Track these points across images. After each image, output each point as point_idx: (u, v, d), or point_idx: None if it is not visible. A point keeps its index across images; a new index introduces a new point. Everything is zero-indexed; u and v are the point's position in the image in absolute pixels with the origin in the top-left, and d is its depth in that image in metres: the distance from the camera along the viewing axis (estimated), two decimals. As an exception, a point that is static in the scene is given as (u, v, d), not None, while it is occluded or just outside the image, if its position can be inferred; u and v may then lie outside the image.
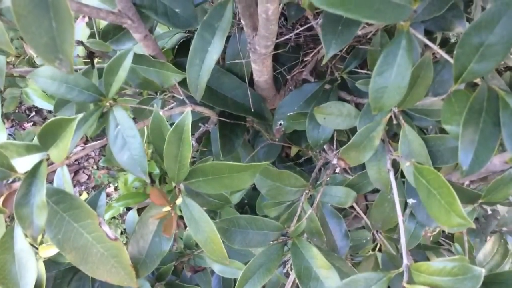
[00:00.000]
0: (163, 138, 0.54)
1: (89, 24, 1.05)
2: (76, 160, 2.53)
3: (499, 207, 0.93)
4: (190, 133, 0.51)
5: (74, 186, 2.47)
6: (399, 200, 0.60)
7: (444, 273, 0.48)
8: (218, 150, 0.78)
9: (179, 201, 0.53)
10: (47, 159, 0.53)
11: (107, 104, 0.58)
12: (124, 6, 0.61)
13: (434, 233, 0.97)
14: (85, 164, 2.52)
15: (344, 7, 0.36)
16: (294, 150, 1.01)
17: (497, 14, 0.46)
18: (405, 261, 0.54)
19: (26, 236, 0.50)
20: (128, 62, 0.55)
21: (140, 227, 0.55)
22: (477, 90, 0.48)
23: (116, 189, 2.41)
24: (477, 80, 0.50)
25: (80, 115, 0.45)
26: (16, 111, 2.45)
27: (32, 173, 0.49)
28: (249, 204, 1.32)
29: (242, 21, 0.62)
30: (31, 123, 2.55)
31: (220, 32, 0.59)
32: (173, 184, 0.56)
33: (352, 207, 1.09)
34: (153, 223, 0.55)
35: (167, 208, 0.51)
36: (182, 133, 0.51)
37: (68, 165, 2.39)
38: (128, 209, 2.19)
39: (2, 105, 1.54)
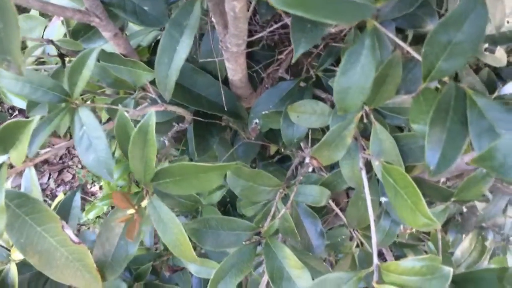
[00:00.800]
0: (129, 139, 0.53)
1: (67, 22, 1.03)
2: (60, 159, 2.50)
3: (477, 203, 0.93)
4: (154, 135, 0.49)
5: (59, 185, 2.44)
6: (372, 199, 0.59)
7: (412, 273, 0.48)
8: (193, 149, 0.77)
9: (144, 203, 0.52)
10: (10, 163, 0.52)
11: (73, 104, 0.56)
12: (91, 4, 0.59)
13: (412, 230, 0.97)
14: (70, 163, 2.49)
15: (302, 7, 0.35)
16: (273, 149, 1.00)
17: (464, 11, 0.45)
18: (375, 261, 0.54)
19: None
20: (92, 61, 0.53)
21: (105, 230, 0.54)
22: (444, 89, 0.47)
23: (101, 188, 2.39)
24: (446, 79, 0.50)
25: (37, 117, 0.44)
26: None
27: (-9, 177, 0.48)
28: (231, 203, 1.31)
29: (213, 19, 0.61)
30: (15, 122, 2.51)
31: (189, 30, 0.58)
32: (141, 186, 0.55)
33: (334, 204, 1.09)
34: (119, 226, 0.54)
35: (131, 211, 0.50)
36: (146, 134, 0.50)
37: (52, 164, 2.35)
38: (113, 208, 2.18)
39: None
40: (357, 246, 0.88)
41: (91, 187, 2.41)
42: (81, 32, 0.73)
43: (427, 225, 0.44)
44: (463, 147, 0.47)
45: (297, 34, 0.53)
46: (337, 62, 0.77)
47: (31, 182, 0.64)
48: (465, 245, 0.83)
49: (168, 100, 0.64)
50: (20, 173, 0.62)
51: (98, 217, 2.28)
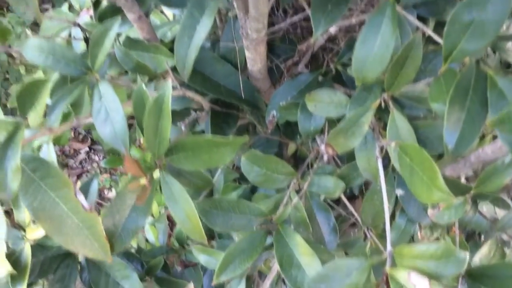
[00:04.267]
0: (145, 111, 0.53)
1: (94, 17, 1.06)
2: (80, 164, 2.54)
3: (498, 213, 0.90)
4: (169, 106, 0.50)
5: (77, 189, 2.46)
6: (388, 190, 0.58)
7: (427, 256, 0.46)
8: (210, 139, 0.77)
9: (156, 174, 0.52)
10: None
11: (94, 77, 0.57)
12: (117, -16, 0.61)
13: (431, 238, 0.94)
14: (89, 168, 2.52)
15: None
16: (291, 149, 1.00)
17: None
18: (388, 247, 0.52)
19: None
20: (113, 32, 0.54)
21: (117, 201, 0.54)
22: (464, 68, 0.47)
23: (118, 193, 2.41)
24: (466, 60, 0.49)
25: (55, 75, 0.45)
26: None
27: (9, 138, 0.49)
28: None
29: (234, 3, 0.62)
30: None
31: (209, 10, 0.59)
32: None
33: (350, 213, 1.07)
34: (131, 198, 0.54)
35: (144, 180, 0.50)
36: (162, 104, 0.50)
37: (72, 168, 2.38)
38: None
39: (6, 99, 1.56)
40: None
41: (107, 193, 2.44)
42: (107, 16, 0.74)
43: (442, 199, 0.43)
44: (482, 127, 0.46)
45: (317, 14, 0.53)
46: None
47: (48, 156, 0.65)
48: (483, 252, 0.80)
49: (187, 80, 0.65)
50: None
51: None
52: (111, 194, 2.43)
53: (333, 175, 0.70)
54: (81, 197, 0.51)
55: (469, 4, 0.46)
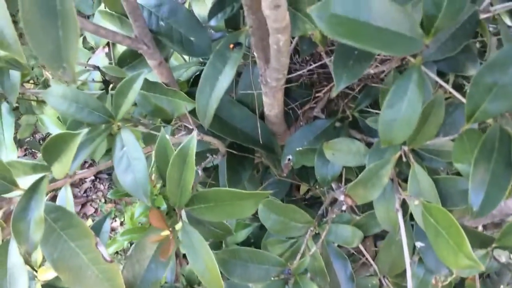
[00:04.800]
0: (168, 162, 0.53)
1: (109, 55, 1.07)
2: (84, 192, 2.53)
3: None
4: (194, 157, 0.50)
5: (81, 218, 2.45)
6: (407, 242, 0.58)
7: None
8: (225, 182, 0.77)
9: (178, 226, 0.52)
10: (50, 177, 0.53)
11: (116, 126, 0.58)
12: (141, 32, 0.62)
13: (444, 283, 0.93)
14: (93, 197, 2.51)
15: (354, 37, 0.36)
16: (303, 189, 0.99)
17: (510, 54, 0.45)
18: (410, 306, 0.52)
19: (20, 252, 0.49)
20: (138, 85, 0.55)
21: (137, 251, 0.54)
22: (488, 130, 0.47)
23: (122, 224, 2.39)
24: (489, 121, 0.49)
25: (85, 130, 0.45)
26: (31, 139, 2.47)
27: (33, 188, 0.49)
28: (255, 244, 1.29)
29: (255, 53, 0.63)
30: (45, 152, 2.56)
31: (232, 62, 0.60)
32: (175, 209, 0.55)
33: (360, 252, 1.06)
34: (151, 248, 0.54)
35: (166, 232, 0.50)
36: (186, 156, 0.50)
37: (76, 197, 2.37)
38: (133, 244, 2.16)
39: (16, 132, 1.57)
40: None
41: (112, 222, 2.42)
42: (127, 60, 0.75)
43: (470, 267, 0.42)
44: (507, 189, 0.46)
45: (339, 70, 0.54)
46: (374, 104, 0.78)
47: (66, 201, 0.65)
48: (500, 302, 0.79)
49: (207, 128, 0.65)
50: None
51: (117, 252, 2.27)
52: (116, 223, 2.41)
53: (351, 224, 0.69)
54: (102, 248, 0.50)
55: (491, 66, 0.46)
